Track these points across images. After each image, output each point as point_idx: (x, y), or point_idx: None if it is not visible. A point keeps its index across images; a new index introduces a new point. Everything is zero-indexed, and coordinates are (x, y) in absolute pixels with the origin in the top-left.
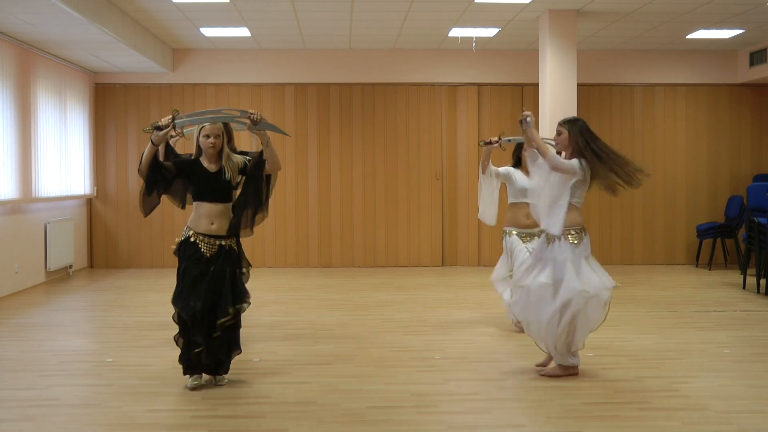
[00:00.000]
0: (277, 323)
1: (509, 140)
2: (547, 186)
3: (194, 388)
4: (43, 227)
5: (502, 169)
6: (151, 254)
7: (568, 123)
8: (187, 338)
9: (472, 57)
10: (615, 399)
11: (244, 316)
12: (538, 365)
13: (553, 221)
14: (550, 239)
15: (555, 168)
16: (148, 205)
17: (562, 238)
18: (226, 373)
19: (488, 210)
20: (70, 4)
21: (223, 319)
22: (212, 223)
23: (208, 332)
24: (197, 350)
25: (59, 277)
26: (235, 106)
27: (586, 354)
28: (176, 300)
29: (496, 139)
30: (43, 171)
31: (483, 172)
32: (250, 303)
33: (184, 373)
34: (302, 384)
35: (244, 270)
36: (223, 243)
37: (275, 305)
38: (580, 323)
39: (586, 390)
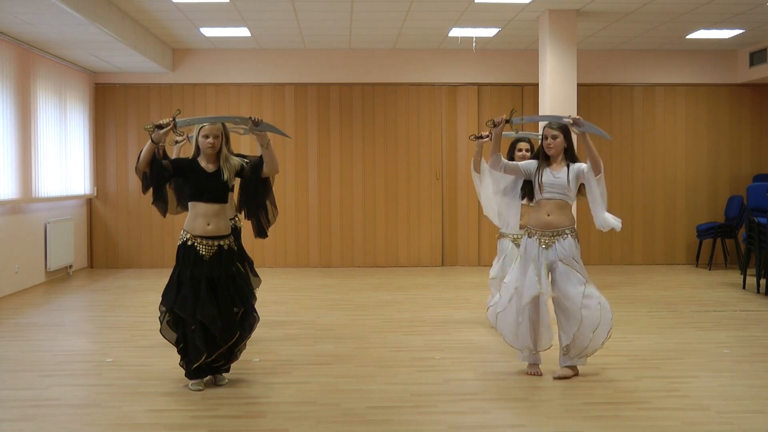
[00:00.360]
0: (277, 323)
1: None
2: (572, 191)
3: (196, 391)
4: (43, 227)
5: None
6: (151, 254)
7: (561, 128)
8: (194, 344)
9: (472, 57)
10: (615, 399)
11: None
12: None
13: (607, 215)
14: (549, 243)
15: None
16: (161, 209)
17: (568, 236)
18: (228, 372)
19: (493, 211)
20: (70, 4)
21: (257, 324)
22: (208, 224)
23: (227, 335)
24: (218, 352)
25: (59, 277)
26: (235, 106)
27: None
28: (178, 305)
29: (486, 133)
30: (43, 171)
31: (476, 170)
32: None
33: (189, 377)
34: (302, 384)
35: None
36: (222, 243)
37: (275, 305)
38: (597, 320)
39: (586, 390)
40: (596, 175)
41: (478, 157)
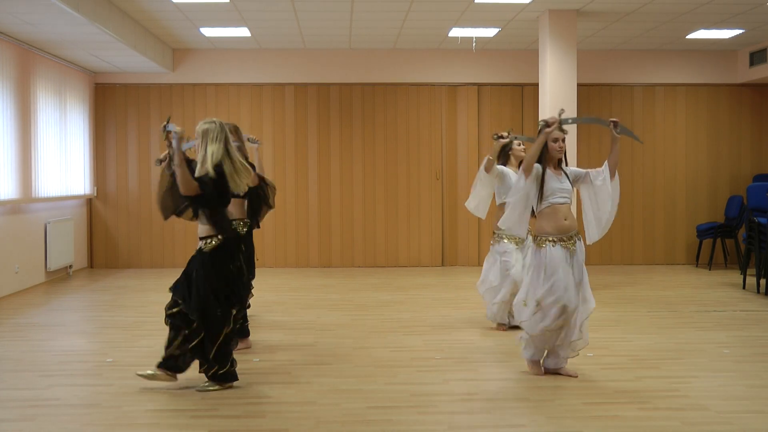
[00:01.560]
0: (277, 323)
1: (518, 138)
2: (591, 195)
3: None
4: (43, 227)
5: (498, 167)
6: (151, 254)
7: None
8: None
9: (472, 57)
10: (615, 399)
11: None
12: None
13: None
14: (572, 248)
15: None
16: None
17: (580, 238)
18: (210, 377)
19: (481, 205)
20: (70, 4)
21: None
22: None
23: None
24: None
25: (59, 277)
26: (235, 106)
27: (586, 354)
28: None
29: (505, 133)
30: (43, 171)
31: (488, 171)
32: None
33: (160, 366)
34: (302, 384)
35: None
36: (202, 245)
37: (275, 305)
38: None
39: (586, 390)
40: (612, 178)
41: (494, 159)
